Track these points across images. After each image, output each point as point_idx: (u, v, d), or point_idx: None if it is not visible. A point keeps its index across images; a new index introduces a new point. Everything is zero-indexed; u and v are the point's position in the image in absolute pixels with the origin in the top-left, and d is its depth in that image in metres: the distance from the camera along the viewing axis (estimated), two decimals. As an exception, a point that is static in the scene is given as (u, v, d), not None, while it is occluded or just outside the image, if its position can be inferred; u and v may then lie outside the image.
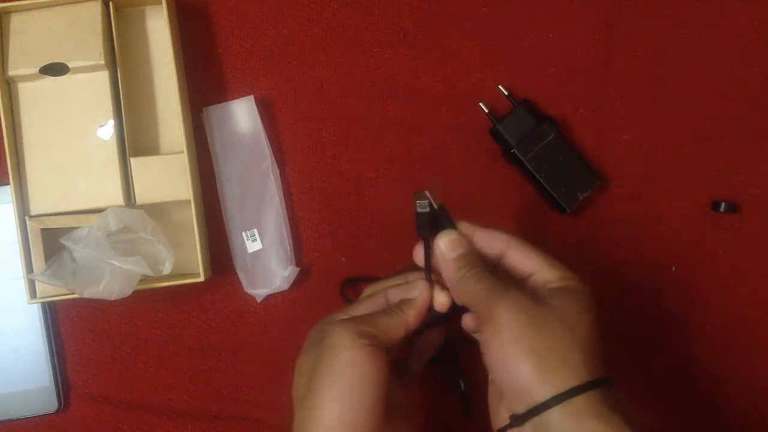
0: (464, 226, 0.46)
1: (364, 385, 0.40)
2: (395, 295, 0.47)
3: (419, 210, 0.45)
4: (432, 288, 0.46)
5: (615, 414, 0.38)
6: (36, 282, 0.53)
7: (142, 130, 0.55)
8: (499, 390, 0.42)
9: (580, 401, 0.38)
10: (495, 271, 0.45)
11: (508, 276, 0.46)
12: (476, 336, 0.46)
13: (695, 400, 0.58)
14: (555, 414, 0.38)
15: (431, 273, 0.46)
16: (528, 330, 0.39)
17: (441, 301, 0.45)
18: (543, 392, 0.38)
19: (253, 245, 0.56)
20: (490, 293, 0.41)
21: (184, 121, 0.53)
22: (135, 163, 0.53)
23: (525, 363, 0.39)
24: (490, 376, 0.45)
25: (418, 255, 0.47)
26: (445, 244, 0.45)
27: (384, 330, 0.43)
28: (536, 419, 0.38)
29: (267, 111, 0.57)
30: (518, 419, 0.39)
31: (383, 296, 0.47)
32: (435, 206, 0.45)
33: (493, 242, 0.45)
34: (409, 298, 0.46)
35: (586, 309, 0.41)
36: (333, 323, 0.43)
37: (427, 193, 0.45)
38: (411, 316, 0.44)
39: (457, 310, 0.46)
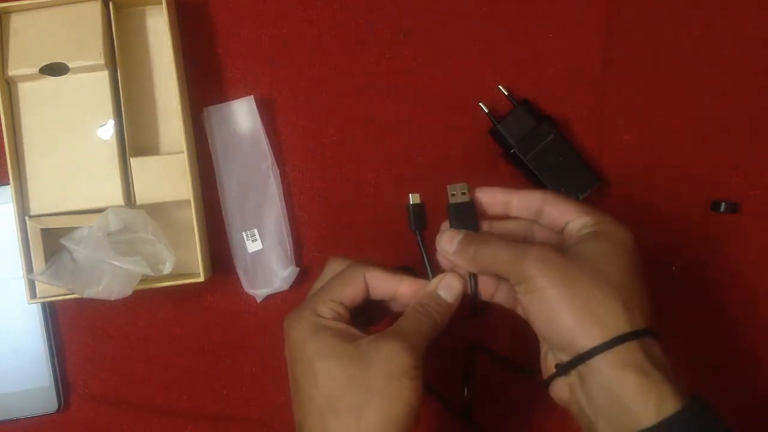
0: (500, 192, 0.45)
1: (410, 421, 0.40)
2: (381, 282, 0.45)
3: (451, 201, 0.45)
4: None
5: (655, 368, 0.38)
6: (36, 282, 0.53)
7: (142, 130, 0.55)
8: (542, 341, 0.42)
9: (620, 351, 0.38)
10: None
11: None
12: (494, 300, 0.46)
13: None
14: (597, 363, 0.38)
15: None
16: (561, 284, 0.39)
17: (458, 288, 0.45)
18: (585, 342, 0.38)
19: (253, 245, 0.56)
20: (513, 254, 0.41)
21: (184, 121, 0.53)
22: (135, 163, 0.53)
23: (565, 317, 0.39)
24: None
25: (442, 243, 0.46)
26: (445, 240, 0.44)
27: (420, 344, 0.42)
28: (581, 368, 0.39)
29: (267, 111, 0.57)
30: (563, 368, 0.40)
31: (361, 277, 0.44)
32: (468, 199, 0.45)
33: (530, 201, 0.44)
34: (429, 292, 0.44)
35: (620, 253, 0.41)
36: (378, 340, 0.41)
37: (466, 186, 0.45)
38: (443, 320, 0.43)
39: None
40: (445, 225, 0.46)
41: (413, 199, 0.47)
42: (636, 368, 0.37)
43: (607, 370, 0.38)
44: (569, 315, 0.39)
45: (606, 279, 0.39)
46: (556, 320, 0.39)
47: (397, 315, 0.46)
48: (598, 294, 0.39)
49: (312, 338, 0.42)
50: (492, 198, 0.45)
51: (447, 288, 0.44)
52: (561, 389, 0.42)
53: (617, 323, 0.38)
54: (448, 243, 0.44)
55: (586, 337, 0.38)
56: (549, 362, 0.42)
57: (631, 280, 0.40)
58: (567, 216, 0.43)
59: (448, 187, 0.45)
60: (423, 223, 0.46)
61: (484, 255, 0.43)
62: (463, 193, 0.45)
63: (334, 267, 0.47)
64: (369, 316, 0.47)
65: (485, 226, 0.46)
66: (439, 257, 0.45)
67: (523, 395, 0.56)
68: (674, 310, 0.58)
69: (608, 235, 0.41)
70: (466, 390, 0.52)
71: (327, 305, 0.43)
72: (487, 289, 0.46)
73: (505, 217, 0.46)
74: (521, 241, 0.45)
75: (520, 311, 0.44)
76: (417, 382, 0.40)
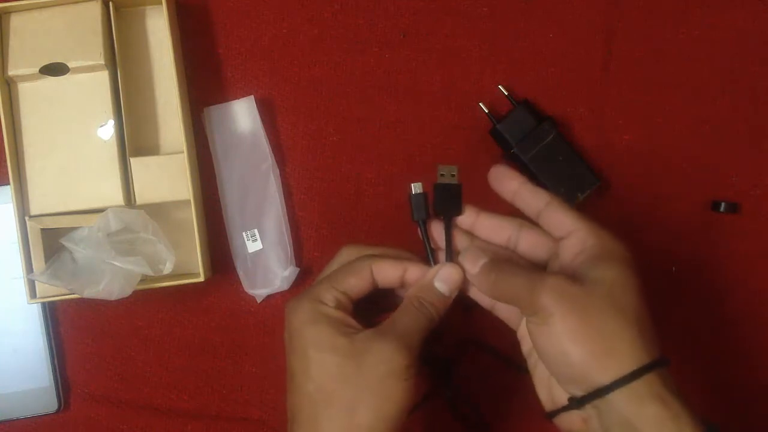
0: (516, 180, 0.44)
1: (402, 420, 0.41)
2: (388, 272, 0.44)
3: (438, 181, 0.45)
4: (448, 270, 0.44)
5: (674, 397, 0.37)
6: (36, 282, 0.52)
7: (142, 130, 0.55)
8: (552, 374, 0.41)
9: (639, 384, 0.37)
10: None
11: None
12: (508, 322, 0.45)
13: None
14: (615, 397, 0.37)
15: (451, 253, 0.45)
16: (575, 317, 0.38)
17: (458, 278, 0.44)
18: (601, 377, 0.37)
19: (254, 245, 0.56)
20: (529, 285, 0.40)
21: (184, 121, 0.53)
22: (135, 163, 0.53)
23: (579, 351, 0.38)
24: (533, 359, 0.43)
25: (437, 233, 0.46)
26: (468, 260, 0.43)
27: (416, 343, 0.41)
28: (597, 402, 0.38)
29: (267, 111, 0.57)
30: (577, 402, 0.39)
31: (368, 269, 0.44)
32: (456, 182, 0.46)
33: (535, 199, 0.44)
34: (426, 284, 0.44)
35: (630, 274, 0.40)
36: (374, 338, 0.41)
37: (455, 169, 0.45)
38: (439, 314, 0.43)
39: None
40: (470, 212, 0.46)
41: (415, 188, 0.46)
42: (656, 400, 0.37)
43: (626, 404, 0.37)
44: (584, 349, 0.38)
45: (621, 308, 0.39)
46: (570, 354, 0.38)
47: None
48: (614, 326, 0.38)
49: (310, 327, 0.41)
50: (507, 182, 0.45)
51: (445, 280, 0.44)
52: (572, 422, 0.41)
53: (635, 356, 0.38)
54: (470, 264, 0.43)
55: (603, 372, 0.38)
56: (555, 394, 0.42)
57: (642, 305, 0.39)
58: (566, 227, 0.42)
59: (438, 166, 0.46)
60: (425, 212, 0.46)
61: (504, 285, 0.42)
62: (452, 175, 0.46)
63: (346, 254, 0.46)
64: (379, 305, 0.46)
65: (469, 212, 0.46)
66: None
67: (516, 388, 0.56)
68: (674, 311, 0.58)
69: (614, 256, 0.40)
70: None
71: (330, 292, 0.43)
72: (485, 300, 0.45)
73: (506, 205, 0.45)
74: (504, 245, 0.45)
75: (523, 338, 0.44)
76: (410, 382, 0.40)
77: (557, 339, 0.38)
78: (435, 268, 0.44)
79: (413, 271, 0.44)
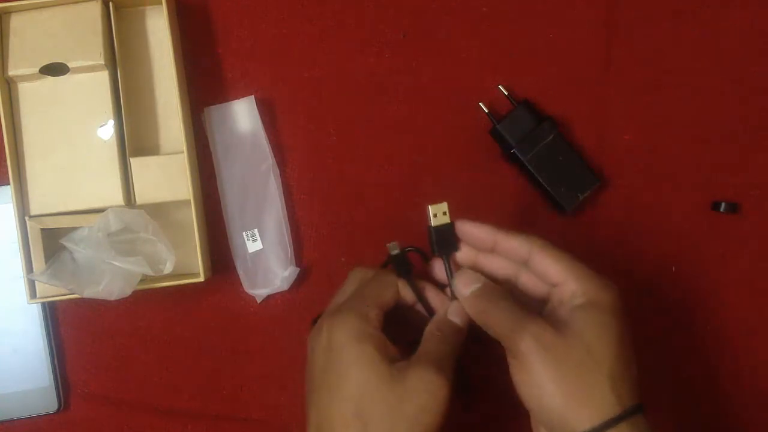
0: (486, 231, 0.46)
1: None
2: (410, 291, 0.46)
3: (433, 224, 0.46)
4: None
5: None
6: (36, 282, 0.52)
7: (142, 130, 0.55)
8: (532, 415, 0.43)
9: None
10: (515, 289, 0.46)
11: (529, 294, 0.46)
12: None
13: (693, 401, 0.58)
14: None
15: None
16: (551, 367, 0.40)
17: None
18: (574, 425, 0.39)
19: (254, 245, 0.56)
20: (512, 326, 0.41)
21: (184, 121, 0.53)
22: (135, 163, 0.53)
23: (554, 399, 0.40)
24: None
25: (439, 272, 0.48)
26: (462, 282, 0.45)
27: (452, 373, 0.42)
28: None
29: (267, 111, 0.57)
30: None
31: (395, 284, 0.46)
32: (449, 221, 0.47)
33: (515, 248, 0.45)
34: (442, 318, 0.45)
35: (610, 322, 0.41)
36: (417, 366, 0.41)
37: (446, 206, 0.46)
38: (459, 343, 0.44)
39: None
40: (467, 251, 0.47)
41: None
42: None
43: None
44: (559, 397, 0.40)
45: (597, 361, 0.40)
46: (546, 401, 0.40)
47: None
48: (588, 377, 0.40)
49: (356, 345, 0.42)
50: (479, 234, 0.46)
51: (456, 313, 0.46)
52: None
53: (607, 407, 0.39)
54: (463, 286, 0.45)
55: (576, 421, 0.39)
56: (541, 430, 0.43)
57: (620, 352, 0.41)
58: (554, 277, 0.44)
59: (429, 207, 0.47)
60: (411, 269, 0.47)
61: (489, 317, 0.43)
62: (444, 213, 0.47)
63: (361, 275, 0.48)
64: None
65: (466, 250, 0.47)
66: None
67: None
68: (674, 311, 0.58)
69: (598, 304, 0.42)
70: None
71: (373, 311, 0.44)
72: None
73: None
74: (503, 282, 0.47)
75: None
76: (446, 408, 0.41)
77: (535, 386, 0.40)
78: (446, 305, 0.46)
79: (432, 292, 0.47)
